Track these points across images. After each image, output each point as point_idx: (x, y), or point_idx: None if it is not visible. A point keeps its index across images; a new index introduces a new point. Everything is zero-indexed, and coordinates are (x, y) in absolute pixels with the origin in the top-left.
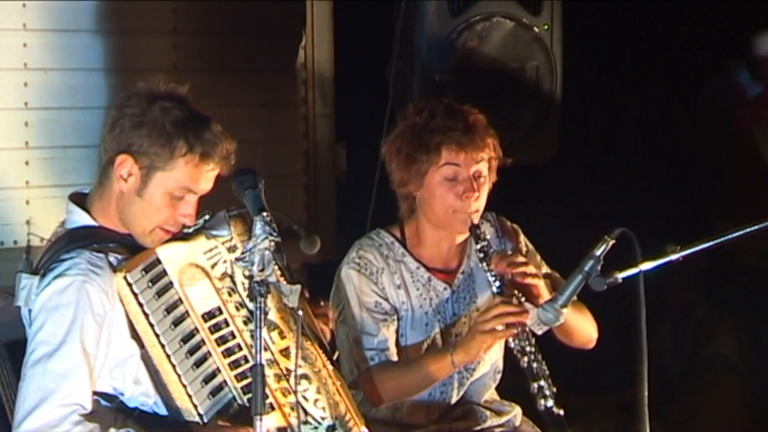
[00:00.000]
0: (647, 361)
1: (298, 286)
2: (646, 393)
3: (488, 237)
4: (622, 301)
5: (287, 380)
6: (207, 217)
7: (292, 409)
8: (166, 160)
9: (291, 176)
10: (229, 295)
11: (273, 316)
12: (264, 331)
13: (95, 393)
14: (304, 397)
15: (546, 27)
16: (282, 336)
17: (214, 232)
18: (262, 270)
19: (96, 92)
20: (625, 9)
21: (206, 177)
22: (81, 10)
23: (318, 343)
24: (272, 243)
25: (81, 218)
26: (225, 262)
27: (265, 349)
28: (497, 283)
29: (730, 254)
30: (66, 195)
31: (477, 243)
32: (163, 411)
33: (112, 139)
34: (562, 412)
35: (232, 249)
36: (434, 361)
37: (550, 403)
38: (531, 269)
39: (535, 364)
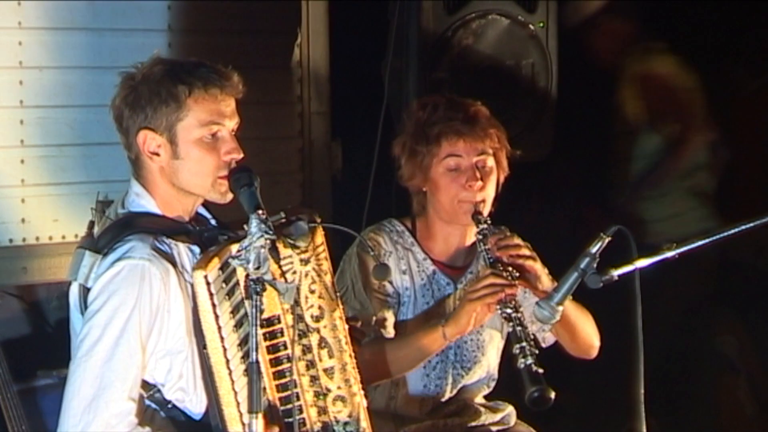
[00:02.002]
0: (643, 357)
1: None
2: (642, 390)
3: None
4: (618, 297)
5: (325, 399)
6: (282, 214)
7: (322, 427)
8: (177, 110)
9: (287, 174)
10: (291, 306)
11: (326, 334)
12: (315, 347)
13: None
14: (336, 419)
15: (541, 24)
16: (330, 355)
17: (291, 241)
18: (257, 268)
19: (91, 90)
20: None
21: (222, 105)
22: (76, 8)
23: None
24: (268, 241)
25: (148, 204)
26: (295, 273)
27: (311, 366)
28: (491, 260)
29: (725, 252)
30: (61, 193)
31: (477, 226)
32: (194, 409)
33: (125, 132)
34: (541, 371)
35: (305, 261)
36: (426, 335)
37: (530, 360)
38: (525, 251)
39: (519, 328)
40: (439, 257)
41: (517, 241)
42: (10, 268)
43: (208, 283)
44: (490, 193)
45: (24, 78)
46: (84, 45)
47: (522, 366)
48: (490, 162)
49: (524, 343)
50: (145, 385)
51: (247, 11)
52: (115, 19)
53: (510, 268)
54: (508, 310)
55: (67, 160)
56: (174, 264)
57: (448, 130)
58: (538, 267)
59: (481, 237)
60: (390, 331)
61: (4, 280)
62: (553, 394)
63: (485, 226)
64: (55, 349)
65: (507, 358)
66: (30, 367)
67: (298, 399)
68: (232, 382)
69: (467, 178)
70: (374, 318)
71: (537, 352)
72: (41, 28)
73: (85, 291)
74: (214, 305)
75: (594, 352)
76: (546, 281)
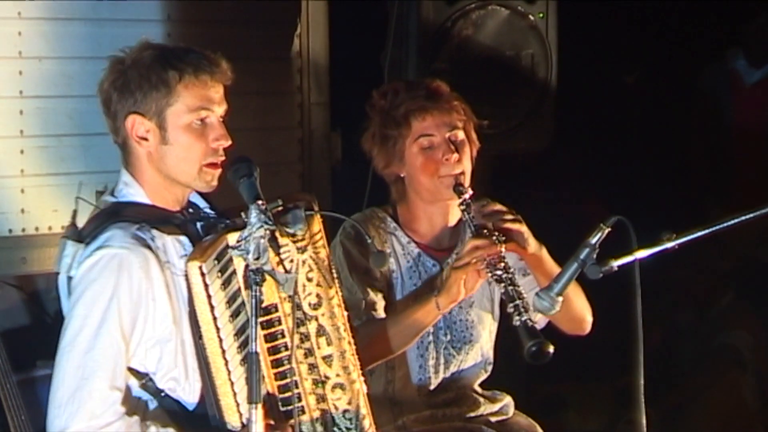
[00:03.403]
0: (643, 348)
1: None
2: (642, 380)
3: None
4: (621, 287)
5: (323, 387)
6: (280, 202)
7: (321, 415)
8: (167, 95)
9: (286, 164)
10: (288, 294)
11: (324, 322)
12: (313, 336)
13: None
14: (335, 406)
15: (541, 15)
16: (329, 343)
17: (288, 230)
18: (257, 258)
19: (91, 81)
20: None
21: (212, 91)
22: None
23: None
24: (267, 231)
25: (136, 193)
26: (292, 261)
27: (310, 354)
28: (476, 227)
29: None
30: (61, 183)
31: (460, 197)
32: (187, 398)
33: (112, 116)
34: (538, 326)
35: (301, 249)
36: (420, 307)
37: (525, 316)
38: (509, 215)
39: (510, 288)
40: (424, 240)
41: (500, 207)
42: (10, 259)
43: (203, 274)
44: (467, 165)
45: (23, 68)
46: (84, 35)
47: (518, 323)
48: (461, 135)
49: (518, 301)
50: (137, 374)
51: (246, 2)
52: (115, 10)
53: (496, 233)
54: (498, 272)
55: (67, 151)
56: (154, 253)
57: (414, 107)
58: (524, 229)
59: (464, 207)
60: (380, 314)
61: (3, 271)
62: (551, 348)
63: (467, 196)
64: (54, 339)
65: (503, 347)
66: (29, 358)
67: (296, 387)
68: (229, 372)
69: (443, 153)
70: (363, 302)
71: (531, 308)
72: (41, 18)
73: (69, 281)
74: (209, 296)
75: (587, 327)
76: (533, 244)
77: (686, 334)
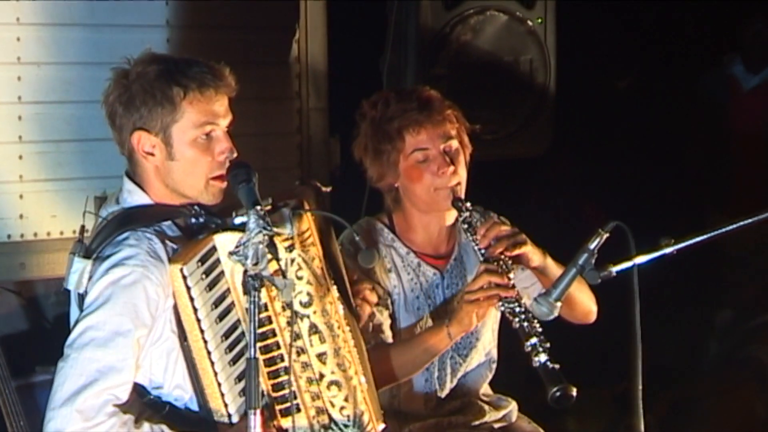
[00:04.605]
0: (642, 354)
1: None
2: (640, 386)
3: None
4: (622, 291)
5: (318, 385)
6: (270, 200)
7: (317, 413)
8: (172, 112)
9: (285, 170)
10: (286, 301)
11: (317, 320)
12: (305, 334)
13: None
14: (332, 403)
15: (540, 20)
16: (322, 340)
17: (275, 229)
18: (255, 264)
19: (90, 86)
20: (619, 2)
21: (216, 105)
22: (74, 4)
23: (356, 345)
24: (266, 237)
25: (139, 198)
26: (280, 260)
27: (302, 352)
28: (482, 252)
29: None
30: (59, 189)
31: (460, 215)
32: (194, 407)
33: (118, 129)
34: (557, 366)
35: (289, 248)
36: (432, 336)
37: (544, 358)
38: (514, 238)
39: (526, 323)
40: (422, 248)
41: (504, 229)
42: (8, 264)
43: (184, 277)
44: (462, 174)
45: (22, 74)
46: (82, 41)
47: (537, 364)
48: (455, 144)
49: (534, 339)
50: (140, 389)
51: (245, 7)
52: (114, 15)
53: (503, 256)
54: (511, 305)
55: (65, 156)
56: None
57: (407, 122)
58: (528, 249)
59: (466, 226)
60: (388, 334)
61: (2, 276)
62: (574, 391)
63: (468, 213)
64: (53, 344)
65: (502, 352)
66: (28, 363)
67: (290, 385)
68: (215, 373)
69: (438, 166)
70: (371, 324)
71: (549, 345)
72: (39, 24)
73: (78, 295)
74: (191, 298)
75: (593, 317)
76: (537, 258)
77: (718, 335)
